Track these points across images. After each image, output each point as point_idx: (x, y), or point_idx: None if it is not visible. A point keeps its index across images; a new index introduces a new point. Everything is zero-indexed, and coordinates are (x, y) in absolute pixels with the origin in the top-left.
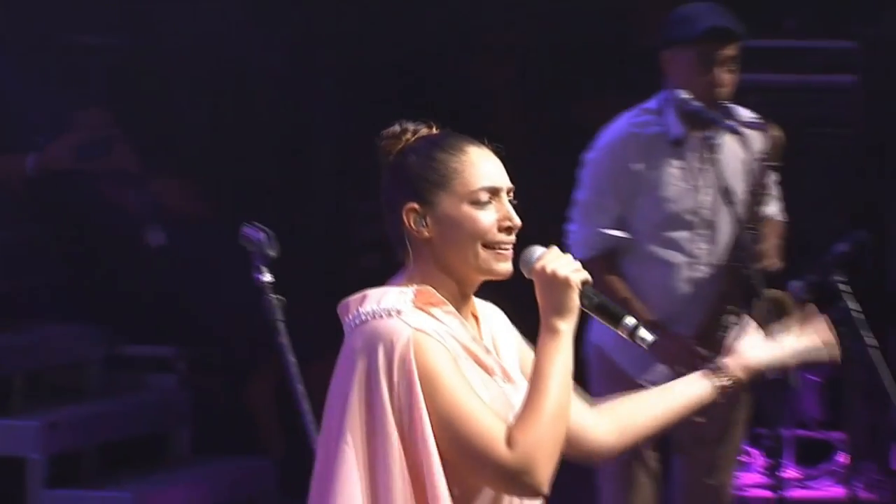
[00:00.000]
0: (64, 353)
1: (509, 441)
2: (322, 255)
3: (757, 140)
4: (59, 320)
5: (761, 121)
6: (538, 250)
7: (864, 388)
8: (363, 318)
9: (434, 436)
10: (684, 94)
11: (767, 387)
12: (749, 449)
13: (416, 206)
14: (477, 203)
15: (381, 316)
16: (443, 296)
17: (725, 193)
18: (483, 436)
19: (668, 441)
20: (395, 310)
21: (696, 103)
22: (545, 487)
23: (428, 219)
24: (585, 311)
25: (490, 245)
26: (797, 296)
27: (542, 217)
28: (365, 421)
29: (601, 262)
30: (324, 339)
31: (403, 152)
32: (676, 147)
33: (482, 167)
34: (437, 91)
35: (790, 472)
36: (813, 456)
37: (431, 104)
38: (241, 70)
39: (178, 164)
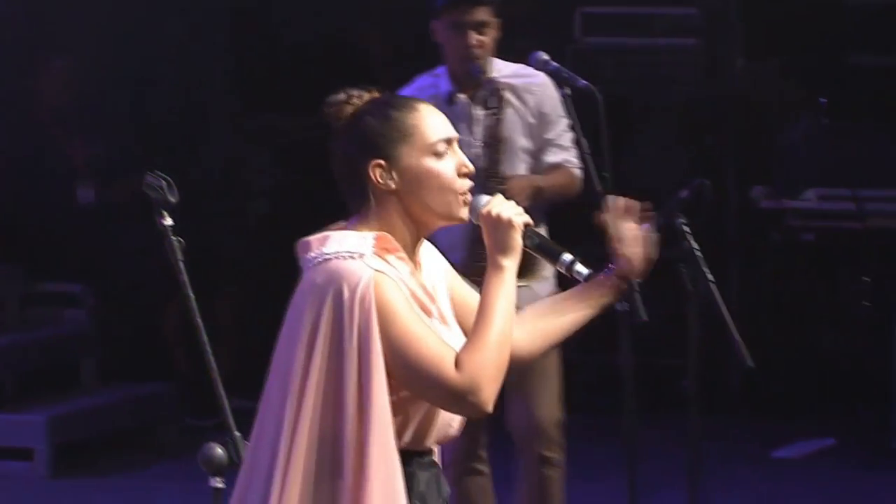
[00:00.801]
0: None
1: (457, 364)
2: (219, 200)
3: (534, 95)
4: None
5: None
6: (485, 198)
7: (703, 317)
8: (326, 257)
9: (389, 365)
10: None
11: (619, 316)
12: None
13: (381, 162)
14: (437, 154)
15: (344, 257)
16: (398, 243)
17: (495, 145)
18: (433, 359)
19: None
20: (357, 253)
21: (475, 65)
22: (489, 406)
23: (393, 173)
24: (527, 249)
25: (456, 192)
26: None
27: None
28: (329, 354)
29: None
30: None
31: (357, 115)
32: (450, 105)
33: (435, 120)
34: (321, 48)
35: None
36: (661, 377)
37: (318, 58)
38: (141, 30)
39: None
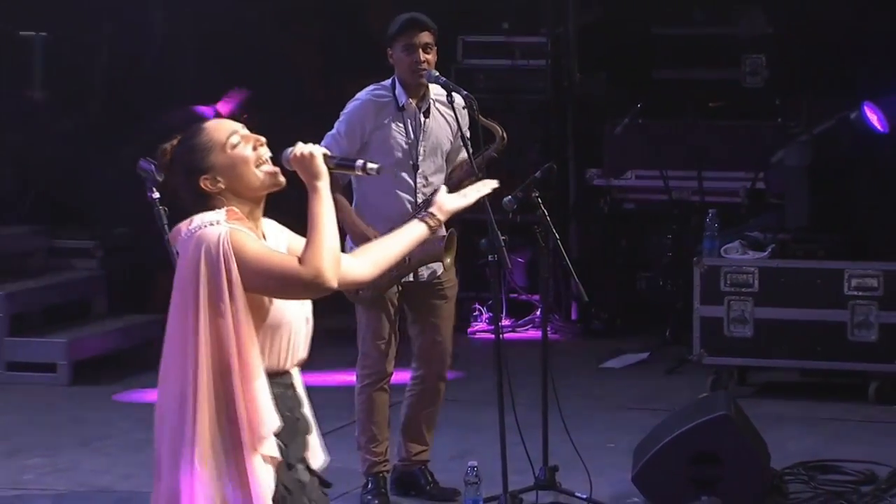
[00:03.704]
0: (17, 246)
1: (301, 261)
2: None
3: (458, 106)
4: (14, 222)
5: (460, 90)
6: (289, 148)
7: (552, 266)
8: (192, 231)
9: (254, 285)
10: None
11: (489, 266)
12: (479, 307)
13: (204, 176)
14: (233, 145)
15: (204, 226)
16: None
17: (434, 143)
18: (283, 265)
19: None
20: (214, 221)
21: (427, 74)
22: (333, 283)
23: (217, 177)
24: (331, 170)
25: (258, 163)
26: (510, 205)
27: None
28: (209, 299)
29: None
30: None
31: (173, 156)
32: (400, 112)
33: (220, 125)
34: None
35: (505, 322)
36: (520, 312)
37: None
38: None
39: None
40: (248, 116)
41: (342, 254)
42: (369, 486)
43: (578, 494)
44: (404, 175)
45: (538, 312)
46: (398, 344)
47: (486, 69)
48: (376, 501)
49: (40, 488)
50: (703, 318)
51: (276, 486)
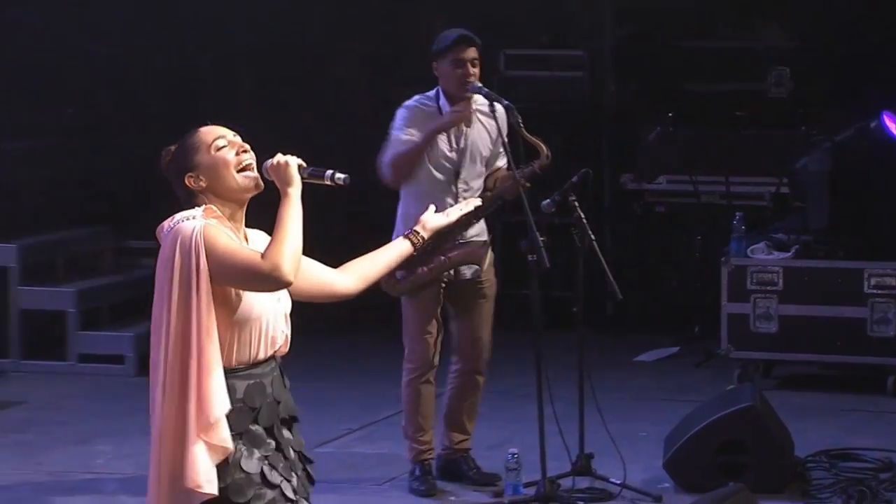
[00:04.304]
0: (88, 246)
1: (263, 257)
2: None
3: (500, 115)
4: (84, 224)
5: (502, 100)
6: (269, 159)
7: (587, 265)
8: (171, 227)
9: (222, 277)
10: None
11: (529, 265)
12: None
13: (189, 174)
14: (218, 148)
15: (181, 222)
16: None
17: (473, 151)
18: (247, 259)
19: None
20: (190, 216)
21: (473, 86)
22: (290, 278)
23: (200, 175)
24: (304, 180)
25: (240, 168)
26: (548, 207)
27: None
28: (180, 289)
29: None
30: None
31: (172, 155)
32: None
33: (211, 130)
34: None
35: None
36: (557, 308)
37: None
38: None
39: None
40: None
41: (325, 269)
42: (416, 472)
43: (612, 480)
44: (447, 181)
45: (574, 309)
46: (442, 337)
47: (527, 80)
48: (423, 487)
49: (109, 472)
50: (730, 315)
51: (231, 474)
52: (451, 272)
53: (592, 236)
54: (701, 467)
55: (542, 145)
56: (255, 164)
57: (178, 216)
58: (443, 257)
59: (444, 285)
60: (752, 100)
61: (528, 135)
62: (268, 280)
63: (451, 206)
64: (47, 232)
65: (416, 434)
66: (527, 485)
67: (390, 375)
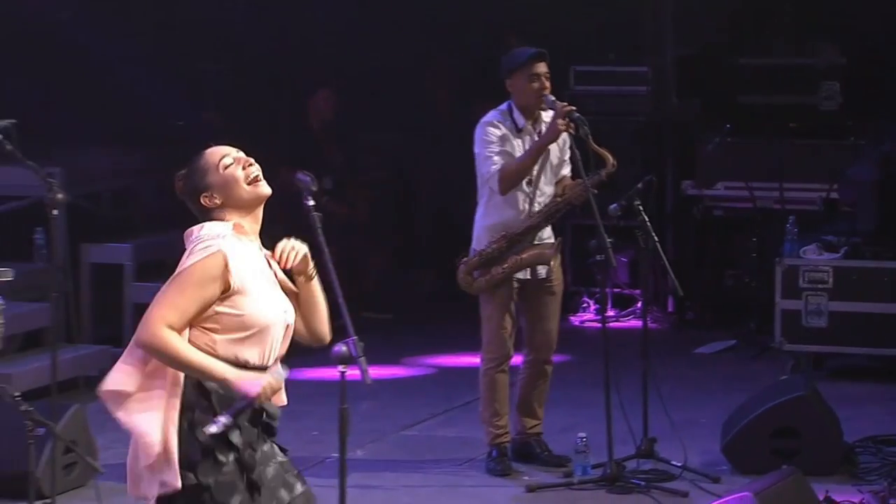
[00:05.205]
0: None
1: (168, 324)
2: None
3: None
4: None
5: (574, 114)
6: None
7: (651, 264)
8: (200, 237)
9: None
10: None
11: (597, 265)
12: (587, 300)
13: (204, 194)
14: (226, 166)
15: (209, 239)
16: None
17: (545, 160)
18: (158, 305)
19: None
20: (221, 235)
21: (546, 99)
22: (150, 340)
23: (213, 194)
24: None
25: (248, 181)
26: (615, 212)
27: None
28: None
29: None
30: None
31: (184, 179)
32: (518, 132)
33: (218, 150)
34: None
35: (610, 313)
36: (623, 304)
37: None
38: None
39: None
40: None
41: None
42: (493, 454)
43: (674, 463)
44: (524, 188)
45: (639, 305)
46: (515, 330)
47: (595, 94)
48: (499, 468)
49: None
50: (783, 311)
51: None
52: (527, 271)
53: (655, 238)
54: (756, 451)
55: (608, 155)
56: (260, 174)
57: (207, 227)
58: (517, 258)
59: (517, 284)
60: (804, 112)
61: (597, 147)
62: (139, 333)
63: (528, 211)
64: (159, 233)
65: (493, 419)
66: (594, 466)
67: (468, 365)
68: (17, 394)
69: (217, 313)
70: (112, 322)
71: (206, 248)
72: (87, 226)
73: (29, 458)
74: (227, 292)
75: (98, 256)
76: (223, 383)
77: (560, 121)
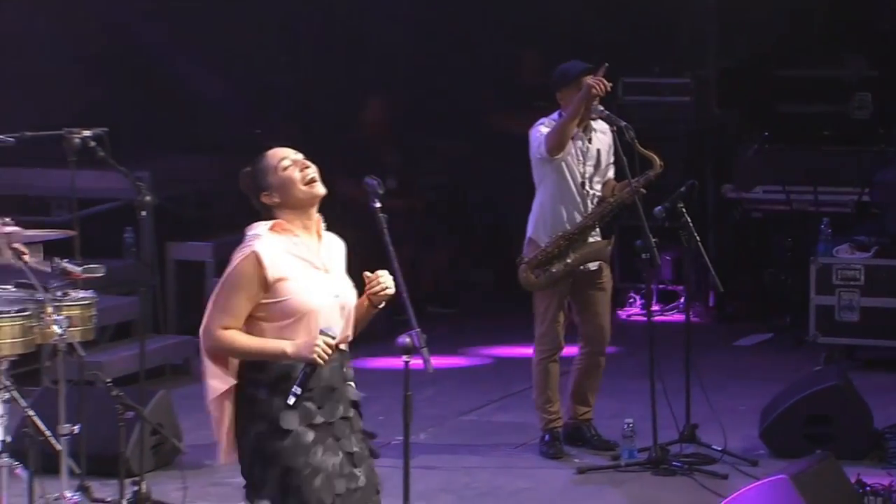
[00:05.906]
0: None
1: (225, 326)
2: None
3: (607, 136)
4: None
5: (620, 122)
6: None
7: (693, 262)
8: (244, 240)
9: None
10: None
11: (643, 262)
12: (634, 295)
13: (264, 192)
14: (284, 168)
15: (251, 238)
16: (294, 226)
17: (596, 163)
18: (212, 308)
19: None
20: (257, 235)
21: (596, 107)
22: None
23: (273, 193)
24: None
25: (305, 182)
26: (660, 213)
27: None
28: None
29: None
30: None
31: (247, 177)
32: (570, 139)
33: (277, 153)
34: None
35: (655, 307)
36: (667, 299)
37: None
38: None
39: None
40: None
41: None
42: (546, 438)
43: (714, 447)
44: (575, 187)
45: (682, 300)
46: (567, 323)
47: (641, 104)
48: (552, 451)
49: None
50: (817, 306)
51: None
52: (581, 267)
53: (697, 238)
54: (792, 437)
55: (654, 157)
56: (317, 175)
57: (254, 226)
58: (575, 255)
59: (571, 279)
60: (837, 121)
61: (644, 149)
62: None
63: (581, 206)
64: (237, 233)
65: (546, 405)
66: (640, 450)
67: (522, 356)
68: (108, 380)
69: (262, 304)
70: (195, 314)
71: (241, 250)
72: (173, 226)
73: (119, 439)
74: (266, 285)
75: (182, 254)
76: (283, 358)
77: (589, 78)
